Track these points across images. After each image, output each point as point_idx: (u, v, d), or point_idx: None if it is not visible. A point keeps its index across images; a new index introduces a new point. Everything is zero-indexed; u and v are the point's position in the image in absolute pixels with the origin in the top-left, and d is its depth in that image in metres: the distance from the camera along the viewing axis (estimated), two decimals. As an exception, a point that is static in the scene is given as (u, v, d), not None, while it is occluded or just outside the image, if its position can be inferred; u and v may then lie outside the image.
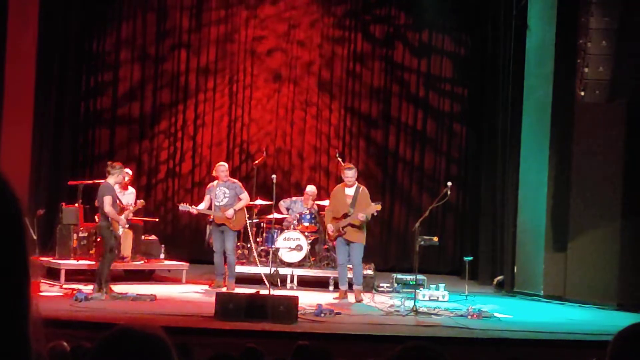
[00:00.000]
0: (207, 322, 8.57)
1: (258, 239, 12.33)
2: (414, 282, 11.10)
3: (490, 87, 13.97)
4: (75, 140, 14.79)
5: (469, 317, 9.74)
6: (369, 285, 11.73)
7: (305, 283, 11.93)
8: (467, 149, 15.29)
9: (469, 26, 15.27)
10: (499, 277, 12.91)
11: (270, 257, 11.67)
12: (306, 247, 12.06)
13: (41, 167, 13.16)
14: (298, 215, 12.55)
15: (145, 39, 15.07)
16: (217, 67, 15.24)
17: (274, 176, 12.25)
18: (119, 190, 11.14)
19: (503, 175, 13.27)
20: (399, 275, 12.22)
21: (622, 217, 11.32)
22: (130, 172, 12.31)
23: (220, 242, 11.25)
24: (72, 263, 11.44)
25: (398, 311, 9.89)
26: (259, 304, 8.79)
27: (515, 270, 12.50)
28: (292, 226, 12.45)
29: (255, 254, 11.70)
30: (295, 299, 8.97)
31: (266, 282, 10.75)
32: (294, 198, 13.21)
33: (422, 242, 11.00)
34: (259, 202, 12.15)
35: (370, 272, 11.96)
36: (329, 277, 11.91)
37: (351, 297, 10.84)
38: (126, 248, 11.76)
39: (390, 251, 15.15)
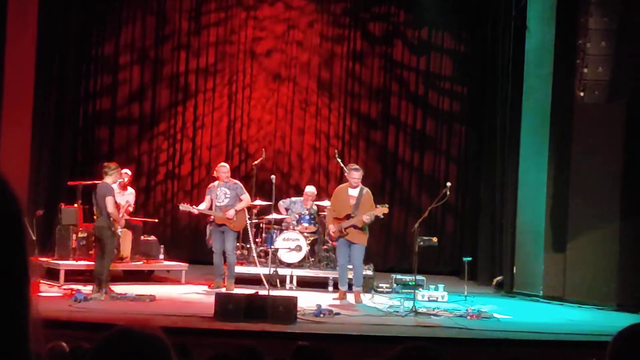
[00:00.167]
0: (206, 323, 8.57)
1: (257, 240, 12.33)
2: (414, 283, 11.10)
3: (490, 87, 13.97)
4: (75, 141, 14.78)
5: (469, 317, 9.74)
6: (369, 286, 11.73)
7: (305, 283, 11.93)
8: (467, 148, 15.29)
9: (469, 26, 15.27)
10: (499, 278, 12.91)
11: (270, 257, 11.67)
12: (305, 248, 12.06)
13: (40, 167, 13.15)
14: (297, 216, 12.55)
15: (145, 41, 15.07)
16: (216, 68, 15.24)
17: (273, 177, 12.24)
18: (118, 191, 11.16)
19: (502, 176, 13.27)
20: (399, 276, 12.21)
21: (622, 218, 11.32)
22: (129, 172, 12.31)
23: (220, 243, 11.25)
24: (71, 263, 11.44)
25: (397, 312, 9.90)
26: (258, 304, 8.79)
27: (514, 271, 12.51)
28: (291, 227, 12.45)
29: (255, 254, 11.70)
30: (294, 300, 8.97)
31: (265, 282, 10.75)
32: (293, 198, 13.21)
33: (422, 243, 11.00)
34: (258, 202, 12.15)
35: (369, 272, 11.95)
36: (328, 278, 11.91)
37: (350, 298, 10.84)
38: (125, 248, 11.76)
39: (390, 252, 15.14)
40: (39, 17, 12.38)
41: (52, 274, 11.28)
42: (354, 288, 10.89)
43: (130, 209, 12.02)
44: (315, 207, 12.71)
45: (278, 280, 11.54)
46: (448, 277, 13.73)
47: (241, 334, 8.08)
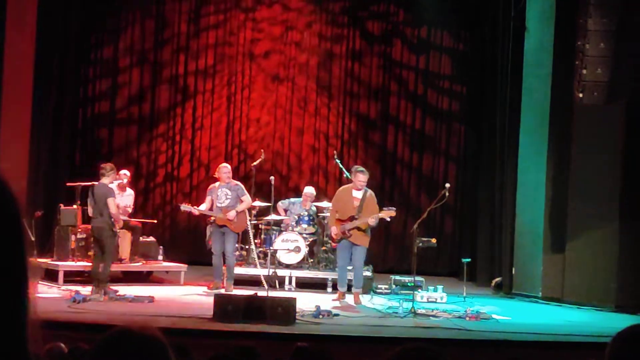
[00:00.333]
0: (205, 324, 8.56)
1: (256, 241, 12.32)
2: (412, 284, 11.09)
3: (490, 87, 13.97)
4: (74, 142, 14.78)
5: (467, 318, 9.74)
6: (367, 287, 11.72)
7: (304, 285, 11.92)
8: (466, 148, 15.29)
9: (468, 25, 15.27)
10: (497, 279, 12.91)
11: (269, 258, 11.66)
12: (304, 249, 12.05)
13: (39, 168, 13.14)
14: (296, 217, 12.54)
15: (144, 43, 15.06)
16: (215, 70, 15.23)
17: (272, 177, 12.24)
18: (117, 192, 11.17)
19: (501, 176, 13.26)
20: (397, 277, 12.21)
21: (621, 219, 11.31)
22: (128, 173, 12.30)
23: (219, 244, 11.23)
24: (70, 264, 11.44)
25: (396, 313, 9.89)
26: (257, 305, 8.79)
27: (513, 272, 12.50)
28: (290, 228, 12.44)
29: (255, 255, 11.69)
30: (293, 301, 8.97)
31: (264, 283, 10.74)
32: (292, 199, 13.19)
33: (420, 244, 11.00)
34: (257, 203, 12.14)
35: (368, 273, 11.95)
36: (327, 279, 11.91)
37: (350, 299, 10.83)
38: (124, 249, 11.76)
39: (389, 253, 15.13)
40: (38, 16, 12.37)
41: (51, 275, 11.28)
42: (353, 289, 10.87)
43: (129, 210, 12.03)
44: (314, 208, 12.70)
45: (277, 282, 11.53)
46: (447, 278, 13.72)
47: (240, 335, 8.08)
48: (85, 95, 14.97)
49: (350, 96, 15.42)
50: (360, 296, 10.84)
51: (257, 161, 12.25)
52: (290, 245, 12.04)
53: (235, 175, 13.58)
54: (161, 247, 12.60)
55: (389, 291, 11.88)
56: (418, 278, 11.35)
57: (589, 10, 11.11)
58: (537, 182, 12.08)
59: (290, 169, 15.33)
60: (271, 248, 11.83)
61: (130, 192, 12.29)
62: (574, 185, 11.65)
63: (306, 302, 10.00)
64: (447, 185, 10.78)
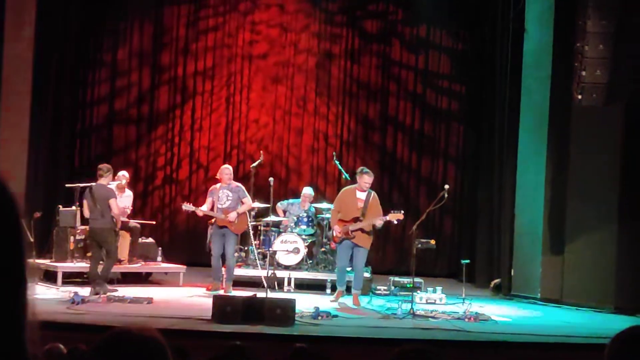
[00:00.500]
0: (204, 325, 8.55)
1: (255, 242, 12.32)
2: (411, 285, 11.08)
3: (489, 87, 13.96)
4: (73, 143, 14.77)
5: (466, 320, 9.73)
6: (366, 288, 11.71)
7: (303, 286, 11.92)
8: (465, 148, 15.28)
9: (467, 25, 15.26)
10: (496, 280, 12.91)
11: (268, 260, 11.65)
12: (303, 250, 12.05)
13: (38, 169, 13.13)
14: (295, 218, 12.53)
15: (143, 45, 15.06)
16: (213, 72, 15.23)
17: (271, 179, 12.23)
18: (117, 193, 11.16)
19: (500, 177, 13.26)
20: (396, 278, 12.20)
21: (620, 220, 11.32)
22: (127, 174, 12.29)
23: (219, 245, 11.21)
24: (69, 265, 11.44)
25: (395, 314, 9.88)
26: (256, 306, 8.78)
27: (512, 273, 12.51)
28: (289, 229, 12.43)
29: (255, 257, 11.68)
30: (292, 302, 8.96)
31: (265, 284, 10.74)
32: (290, 200, 13.18)
33: (420, 245, 11.00)
34: (256, 204, 12.14)
35: (367, 275, 11.94)
36: (326, 280, 11.90)
37: (349, 300, 10.82)
38: (123, 251, 11.75)
39: (388, 254, 15.12)
40: (37, 17, 12.36)
41: (49, 276, 11.28)
42: (353, 291, 10.86)
43: (128, 211, 12.02)
44: (312, 209, 12.69)
45: (276, 283, 11.52)
46: (446, 279, 13.73)
47: (239, 337, 8.06)
48: (84, 96, 14.96)
49: (349, 96, 15.41)
50: (359, 298, 10.83)
51: (257, 162, 12.24)
52: (289, 247, 12.04)
53: (235, 176, 13.59)
54: (160, 248, 12.59)
55: (388, 292, 11.87)
56: (417, 279, 11.35)
57: (588, 12, 11.12)
58: (536, 183, 12.09)
59: (289, 170, 15.32)
60: (270, 249, 11.82)
61: (129, 193, 12.28)
62: (573, 186, 11.66)
63: (305, 303, 10.00)
64: (446, 186, 10.77)
